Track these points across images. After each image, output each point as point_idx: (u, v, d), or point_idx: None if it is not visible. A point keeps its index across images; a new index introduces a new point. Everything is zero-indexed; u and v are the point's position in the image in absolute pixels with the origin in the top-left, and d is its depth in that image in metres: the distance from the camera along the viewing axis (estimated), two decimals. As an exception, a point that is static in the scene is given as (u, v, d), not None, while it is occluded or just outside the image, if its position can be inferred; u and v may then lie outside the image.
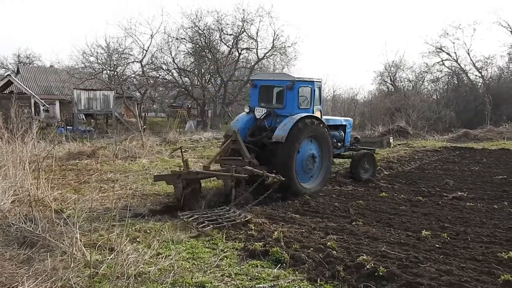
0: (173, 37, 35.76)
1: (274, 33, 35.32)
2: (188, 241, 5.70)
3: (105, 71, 36.86)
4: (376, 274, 4.40)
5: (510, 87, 34.23)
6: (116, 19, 67.53)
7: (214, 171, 8.44)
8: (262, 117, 9.79)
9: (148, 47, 35.65)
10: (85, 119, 34.94)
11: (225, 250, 5.32)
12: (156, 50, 36.58)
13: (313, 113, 9.59)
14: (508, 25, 40.11)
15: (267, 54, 36.72)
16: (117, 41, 35.37)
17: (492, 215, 6.99)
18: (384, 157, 15.32)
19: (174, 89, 39.70)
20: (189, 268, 4.75)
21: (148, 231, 6.08)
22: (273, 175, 8.14)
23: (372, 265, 4.55)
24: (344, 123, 11.45)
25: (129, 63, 36.71)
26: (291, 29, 67.43)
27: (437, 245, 5.42)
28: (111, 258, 4.66)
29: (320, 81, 10.26)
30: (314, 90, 9.84)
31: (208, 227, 6.11)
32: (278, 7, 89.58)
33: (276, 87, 10.04)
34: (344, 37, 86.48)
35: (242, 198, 7.69)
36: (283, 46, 35.89)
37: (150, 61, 36.44)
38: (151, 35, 35.13)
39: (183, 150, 15.75)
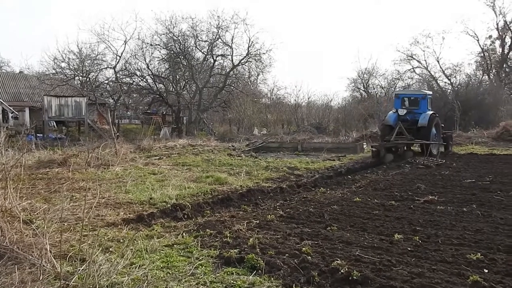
0: (147, 43, 35.54)
1: (249, 40, 35.58)
2: (163, 250, 5.62)
3: (77, 77, 36.19)
4: (350, 278, 4.44)
5: (477, 94, 35.33)
6: (89, 25, 66.41)
7: (396, 142, 16.58)
8: (404, 114, 17.62)
9: (122, 53, 35.30)
10: (56, 126, 34.16)
11: (200, 258, 5.27)
12: (130, 56, 36.25)
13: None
14: (475, 34, 41.77)
15: (242, 61, 36.88)
16: (89, 47, 34.85)
17: (462, 217, 7.17)
18: (358, 162, 15.55)
19: (148, 96, 39.33)
20: (163, 278, 4.68)
21: (121, 241, 5.96)
22: (437, 142, 17.57)
23: (346, 269, 4.59)
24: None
25: (102, 69, 36.22)
26: (266, 36, 67.82)
27: (409, 248, 5.52)
28: (82, 269, 4.55)
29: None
30: (431, 98, 19.14)
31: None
32: (253, 14, 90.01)
33: (412, 97, 18.39)
34: (318, 45, 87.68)
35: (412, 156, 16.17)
36: (258, 53, 36.22)
37: (124, 67, 36.06)
38: (124, 41, 34.69)
39: (157, 158, 15.59)
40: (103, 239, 5.93)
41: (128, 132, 33.78)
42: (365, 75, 43.78)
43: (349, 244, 5.76)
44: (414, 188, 9.94)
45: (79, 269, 4.56)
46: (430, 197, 8.68)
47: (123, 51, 35.70)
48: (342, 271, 4.57)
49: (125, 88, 37.22)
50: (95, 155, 13.85)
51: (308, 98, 44.25)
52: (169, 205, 8.03)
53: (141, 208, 8.06)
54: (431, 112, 17.89)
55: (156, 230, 6.54)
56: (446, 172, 12.57)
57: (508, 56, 41.99)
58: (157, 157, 16.48)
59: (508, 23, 40.46)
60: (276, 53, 70.35)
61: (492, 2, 40.40)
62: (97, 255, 4.88)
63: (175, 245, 5.81)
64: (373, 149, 16.37)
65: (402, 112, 17.70)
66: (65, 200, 8.19)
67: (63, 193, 9.15)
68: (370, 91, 44.05)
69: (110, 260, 4.91)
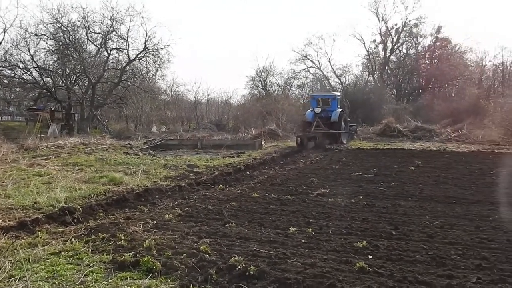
0: (32, 33, 32.40)
1: (146, 34, 34.38)
2: (48, 259, 5.14)
3: None
4: (247, 273, 4.49)
5: (364, 93, 38.41)
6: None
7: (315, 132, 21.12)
8: (319, 112, 21.88)
9: (1, 43, 31.73)
10: None
11: (91, 265, 4.93)
12: (11, 46, 32.69)
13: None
14: (362, 37, 45.33)
15: (139, 56, 35.51)
16: (-40, 34, 30.74)
17: (350, 208, 7.72)
18: (256, 158, 15.93)
19: (34, 90, 36.02)
20: (47, 289, 4.29)
21: (-2, 251, 5.34)
22: (347, 132, 22.86)
23: (244, 265, 4.64)
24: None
25: (-24, 59, 32.17)
26: (164, 31, 66.20)
27: (303, 240, 5.77)
28: None
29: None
30: (340, 99, 25.27)
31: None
32: (150, 8, 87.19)
33: (325, 98, 22.93)
34: (218, 42, 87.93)
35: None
36: (156, 48, 35.11)
37: (3, 58, 32.46)
38: (4, 29, 31.18)
39: (44, 158, 14.38)
40: (-25, 251, 5.25)
41: (10, 130, 30.55)
42: (263, 74, 45.01)
43: (246, 239, 5.84)
44: (308, 182, 10.46)
45: None
46: (323, 190, 9.21)
47: (2, 40, 32.10)
48: (239, 267, 4.61)
49: (5, 81, 33.60)
50: (-32, 156, 12.28)
51: (208, 95, 44.26)
52: (56, 209, 7.41)
53: (23, 214, 7.32)
54: (340, 110, 22.78)
55: (40, 237, 5.99)
56: (336, 166, 13.46)
57: (389, 59, 46.30)
58: (44, 157, 15.15)
59: (389, 29, 44.53)
60: (175, 48, 68.93)
61: (375, 9, 44.15)
62: (-34, 270, 4.30)
63: (62, 252, 5.37)
64: (298, 138, 20.14)
65: (318, 110, 22.05)
66: None
67: None
68: (268, 89, 45.42)
69: (-17, 275, 4.37)
